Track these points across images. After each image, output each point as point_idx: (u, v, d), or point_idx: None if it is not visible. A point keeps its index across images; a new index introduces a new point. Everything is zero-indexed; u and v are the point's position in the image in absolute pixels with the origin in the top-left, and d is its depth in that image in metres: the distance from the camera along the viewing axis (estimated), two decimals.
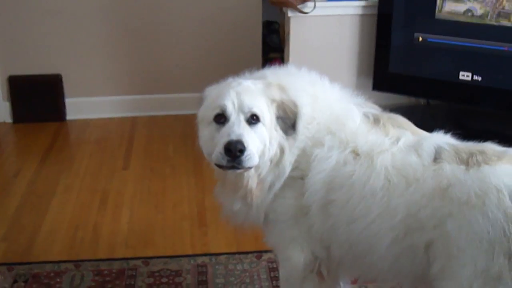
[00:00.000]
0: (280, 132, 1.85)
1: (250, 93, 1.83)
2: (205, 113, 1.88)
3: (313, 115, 1.88)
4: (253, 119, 1.80)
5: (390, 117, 1.90)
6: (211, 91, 1.92)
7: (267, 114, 1.82)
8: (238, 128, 1.77)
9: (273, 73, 1.97)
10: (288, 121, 1.85)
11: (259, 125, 1.81)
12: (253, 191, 1.89)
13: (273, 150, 1.85)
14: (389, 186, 1.73)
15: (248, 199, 1.91)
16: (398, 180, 1.73)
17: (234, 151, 1.72)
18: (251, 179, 1.87)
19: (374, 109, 1.95)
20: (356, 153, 1.81)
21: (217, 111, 1.82)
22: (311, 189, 1.84)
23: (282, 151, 1.86)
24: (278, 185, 1.89)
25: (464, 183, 1.64)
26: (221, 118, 1.81)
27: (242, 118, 1.79)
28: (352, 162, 1.79)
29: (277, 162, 1.87)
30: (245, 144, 1.74)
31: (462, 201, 1.62)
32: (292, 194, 1.89)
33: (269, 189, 1.90)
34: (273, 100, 1.85)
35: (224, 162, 1.76)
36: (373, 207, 1.74)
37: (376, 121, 1.87)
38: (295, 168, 1.88)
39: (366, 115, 1.89)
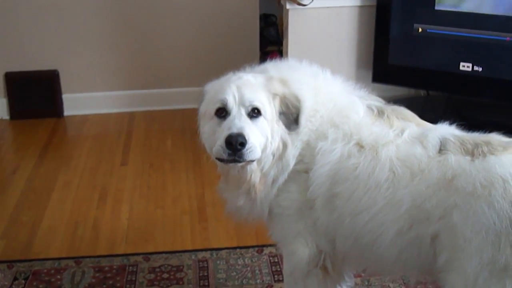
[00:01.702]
0: (283, 127, 1.84)
1: (251, 87, 1.82)
2: (206, 107, 1.87)
3: (316, 108, 1.87)
4: (254, 113, 1.80)
5: (394, 109, 1.89)
6: (212, 86, 1.91)
7: (268, 108, 1.82)
8: (239, 121, 1.77)
9: (274, 67, 1.95)
10: (291, 116, 1.84)
11: (261, 118, 1.80)
12: (256, 186, 1.87)
13: (275, 144, 1.84)
14: (394, 178, 1.72)
15: (252, 193, 1.89)
16: (403, 171, 1.71)
17: (235, 144, 1.72)
18: (254, 173, 1.86)
19: (378, 102, 1.93)
20: (360, 146, 1.79)
21: (218, 105, 1.81)
22: (316, 182, 1.82)
23: (284, 145, 1.85)
24: (282, 179, 1.88)
25: (470, 174, 1.63)
26: (222, 112, 1.81)
27: (243, 111, 1.79)
28: (357, 155, 1.78)
29: (280, 156, 1.86)
30: (246, 137, 1.73)
31: (468, 191, 1.61)
32: (297, 188, 1.88)
33: (272, 184, 1.89)
34: (275, 94, 1.84)
35: (225, 155, 1.75)
36: (378, 199, 1.73)
37: (380, 113, 1.86)
38: (299, 161, 1.87)
39: (370, 108, 1.88)
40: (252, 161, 1.80)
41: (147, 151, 3.86)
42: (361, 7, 3.49)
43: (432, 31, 3.33)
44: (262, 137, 1.80)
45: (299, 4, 3.38)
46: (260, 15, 4.54)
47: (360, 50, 3.58)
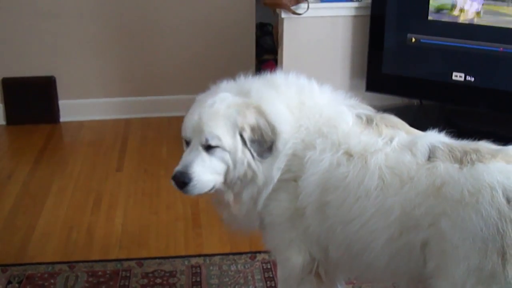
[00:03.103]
0: (250, 155, 1.86)
1: (215, 119, 1.84)
2: (182, 131, 1.94)
3: (300, 123, 1.88)
4: (211, 146, 1.84)
5: (384, 117, 1.90)
6: (197, 101, 1.96)
7: (229, 140, 1.84)
8: (189, 156, 1.84)
9: (257, 87, 1.93)
10: (265, 144, 1.86)
11: (218, 150, 1.84)
12: (231, 204, 1.93)
13: (240, 172, 1.87)
14: (383, 186, 1.73)
15: (231, 210, 1.95)
16: (392, 179, 1.73)
17: (177, 183, 1.83)
18: (226, 194, 1.92)
19: (368, 110, 1.95)
20: (349, 154, 1.80)
21: (182, 134, 1.91)
22: (305, 191, 1.84)
23: (254, 172, 1.87)
24: (265, 192, 1.90)
25: (458, 181, 1.64)
26: (186, 141, 1.90)
27: (199, 144, 1.84)
28: (346, 164, 1.79)
29: (251, 179, 1.89)
30: (191, 175, 1.81)
31: (456, 199, 1.62)
32: (287, 196, 1.89)
33: (257, 198, 1.92)
34: (247, 124, 1.85)
35: (176, 188, 1.85)
36: (368, 207, 1.74)
37: (369, 121, 1.87)
38: (286, 171, 1.88)
39: (359, 116, 1.89)
40: (206, 192, 1.87)
41: (142, 158, 3.87)
42: (355, 16, 3.53)
43: (426, 41, 3.37)
44: (222, 165, 1.85)
45: (294, 13, 3.41)
46: (256, 24, 4.57)
47: (354, 59, 3.61)
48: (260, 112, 1.87)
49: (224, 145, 1.83)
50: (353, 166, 1.78)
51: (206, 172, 1.84)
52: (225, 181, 1.89)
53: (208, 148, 1.84)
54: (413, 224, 1.69)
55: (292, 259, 1.95)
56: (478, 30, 3.23)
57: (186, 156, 1.85)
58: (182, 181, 1.82)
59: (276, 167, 1.87)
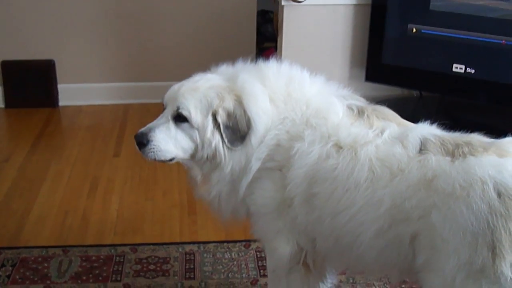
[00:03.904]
0: (220, 139, 1.87)
1: (193, 93, 1.87)
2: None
3: (284, 115, 1.86)
4: (180, 118, 1.86)
5: (375, 109, 1.88)
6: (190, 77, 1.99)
7: (199, 118, 1.85)
8: (157, 121, 1.90)
9: (244, 78, 1.92)
10: (238, 133, 1.86)
11: (185, 124, 1.86)
12: (198, 184, 1.96)
13: (208, 153, 1.88)
14: (373, 178, 1.72)
15: (199, 190, 1.98)
16: (382, 171, 1.71)
17: (136, 142, 1.89)
18: (193, 171, 1.96)
19: (359, 101, 1.93)
20: (338, 146, 1.79)
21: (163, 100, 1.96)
22: (293, 182, 1.82)
23: (220, 157, 1.88)
24: (245, 181, 1.90)
25: (449, 174, 1.63)
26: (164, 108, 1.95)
27: (170, 113, 1.88)
28: (335, 155, 1.77)
29: (219, 163, 1.89)
30: (150, 138, 1.86)
31: (447, 192, 1.61)
32: (271, 186, 1.88)
33: (237, 186, 1.92)
34: (223, 109, 1.85)
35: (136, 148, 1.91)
36: (357, 199, 1.73)
37: (361, 113, 1.85)
38: (269, 160, 1.87)
39: (350, 107, 1.87)
40: (159, 160, 1.90)
41: None
42: (356, 5, 3.49)
43: (427, 31, 3.33)
44: (188, 142, 1.88)
45: (295, 0, 3.38)
46: (258, 11, 4.54)
47: (354, 49, 3.58)
48: (239, 101, 1.87)
49: (193, 120, 1.85)
50: (343, 158, 1.76)
51: (168, 142, 1.88)
52: (194, 159, 1.92)
53: (177, 119, 1.87)
54: (403, 216, 1.68)
55: (280, 249, 1.94)
56: (480, 22, 3.20)
57: (154, 121, 1.91)
58: (140, 141, 1.87)
59: (255, 157, 1.86)
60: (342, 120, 1.83)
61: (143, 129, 1.89)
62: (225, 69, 2.00)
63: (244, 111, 1.86)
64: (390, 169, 1.71)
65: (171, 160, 1.92)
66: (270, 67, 1.96)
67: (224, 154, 1.87)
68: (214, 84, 1.90)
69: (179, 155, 1.91)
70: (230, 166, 1.89)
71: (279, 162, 1.85)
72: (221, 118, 1.84)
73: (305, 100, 1.88)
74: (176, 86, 1.94)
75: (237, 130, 1.85)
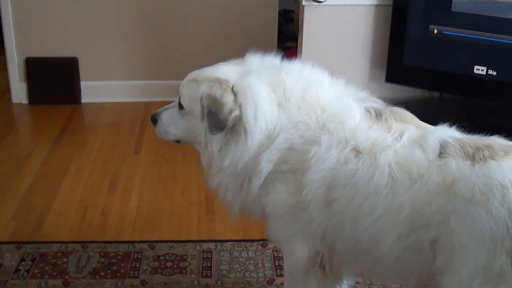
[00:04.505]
0: (203, 126, 1.91)
1: (194, 82, 1.95)
2: None
3: (296, 120, 1.85)
4: (181, 104, 2.00)
5: (393, 111, 1.86)
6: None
7: (193, 105, 1.94)
8: (169, 105, 2.08)
9: (255, 79, 1.91)
10: (216, 121, 1.86)
11: (183, 111, 1.99)
12: (204, 169, 2.04)
13: (202, 139, 1.95)
14: (393, 183, 1.70)
15: (205, 175, 2.06)
16: (402, 176, 1.69)
17: (151, 118, 2.11)
18: (202, 156, 2.03)
19: (377, 103, 1.91)
20: (357, 151, 1.77)
21: None
22: (309, 186, 1.81)
23: (206, 143, 1.95)
24: (257, 181, 1.89)
25: (469, 179, 1.61)
26: None
27: (178, 99, 2.02)
28: (354, 161, 1.76)
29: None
30: (156, 119, 2.08)
31: (466, 197, 1.60)
32: (285, 188, 1.87)
33: (245, 182, 1.93)
34: (207, 94, 1.87)
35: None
36: (378, 205, 1.71)
37: (379, 116, 1.83)
38: (282, 162, 1.85)
39: (367, 110, 1.85)
40: (166, 139, 2.11)
41: (160, 142, 3.80)
42: (377, 6, 3.48)
43: (448, 33, 3.30)
44: (184, 127, 2.01)
45: (315, 0, 3.38)
46: (279, 11, 4.54)
47: (375, 50, 3.56)
48: (236, 95, 1.87)
49: (187, 107, 1.96)
50: (362, 163, 1.75)
51: (170, 124, 2.06)
52: (201, 145, 2.00)
53: (180, 106, 2.00)
54: (423, 222, 1.66)
55: (297, 252, 1.94)
56: (502, 24, 3.16)
57: (168, 105, 2.09)
58: (152, 118, 2.10)
59: (266, 159, 1.86)
60: (359, 124, 1.82)
61: (158, 110, 2.10)
62: (252, 61, 2.02)
63: (234, 105, 1.86)
64: (410, 174, 1.69)
65: (177, 141, 2.10)
66: (291, 72, 1.94)
67: (211, 144, 1.92)
68: (217, 76, 1.92)
69: (184, 137, 2.06)
70: (227, 159, 1.89)
71: (292, 165, 1.84)
72: (205, 102, 1.87)
73: (321, 105, 1.86)
74: (188, 76, 2.03)
75: (217, 118, 1.85)
